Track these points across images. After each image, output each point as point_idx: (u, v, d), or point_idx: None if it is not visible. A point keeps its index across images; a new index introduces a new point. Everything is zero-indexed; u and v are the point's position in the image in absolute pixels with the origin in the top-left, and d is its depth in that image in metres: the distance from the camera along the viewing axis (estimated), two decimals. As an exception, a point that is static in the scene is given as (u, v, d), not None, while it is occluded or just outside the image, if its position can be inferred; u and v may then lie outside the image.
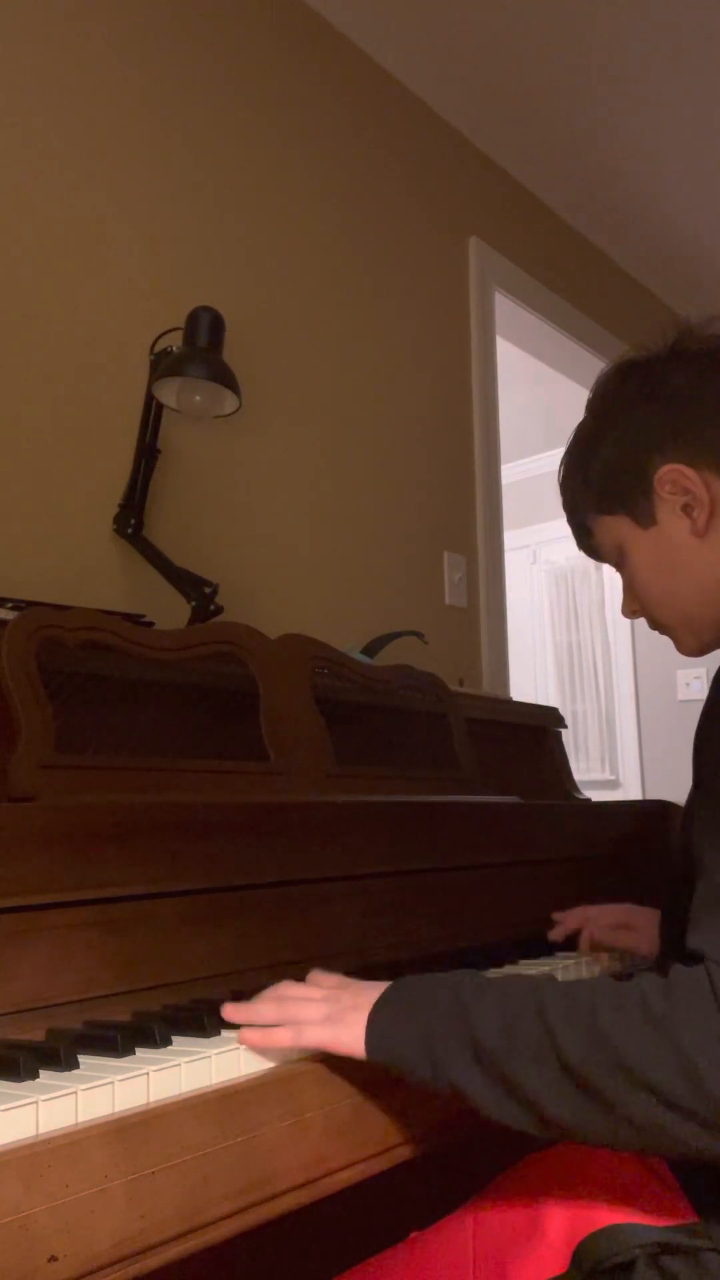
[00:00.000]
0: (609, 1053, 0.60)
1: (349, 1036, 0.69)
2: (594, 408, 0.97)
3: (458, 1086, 0.66)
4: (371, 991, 0.71)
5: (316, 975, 0.78)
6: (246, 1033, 0.69)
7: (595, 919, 1.15)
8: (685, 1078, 0.58)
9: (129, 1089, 0.60)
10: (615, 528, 0.95)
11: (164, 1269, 0.57)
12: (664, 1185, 0.75)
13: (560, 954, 1.11)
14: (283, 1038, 0.69)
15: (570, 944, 1.14)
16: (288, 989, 0.74)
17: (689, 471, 0.88)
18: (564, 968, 1.03)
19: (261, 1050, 0.69)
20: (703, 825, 0.72)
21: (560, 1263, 0.71)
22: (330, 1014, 0.70)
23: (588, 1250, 0.70)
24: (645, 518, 0.92)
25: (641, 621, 0.99)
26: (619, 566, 0.98)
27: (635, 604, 0.98)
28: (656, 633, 0.99)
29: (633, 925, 1.13)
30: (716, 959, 0.61)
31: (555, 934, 1.15)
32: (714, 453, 0.88)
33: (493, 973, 0.97)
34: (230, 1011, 0.72)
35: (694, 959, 0.63)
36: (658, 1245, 0.68)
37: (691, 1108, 0.58)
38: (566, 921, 1.16)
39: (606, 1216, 0.72)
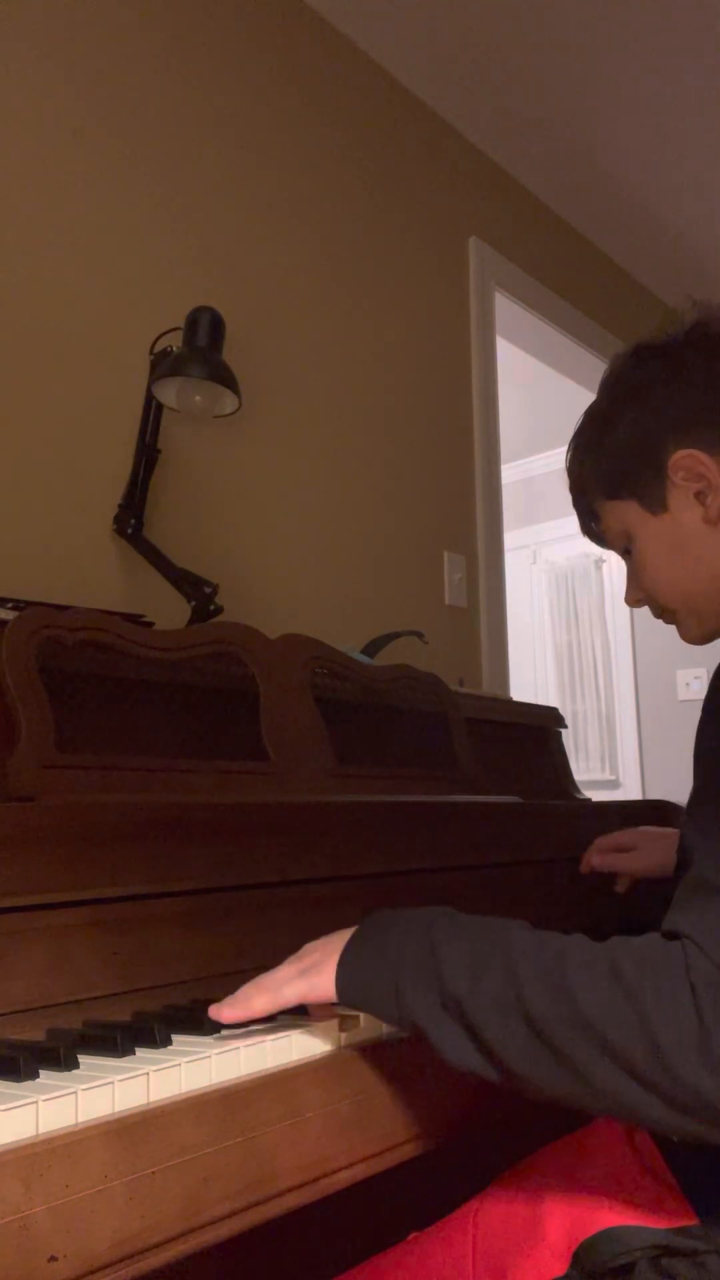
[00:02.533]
0: (573, 1010, 0.60)
1: (322, 982, 0.70)
2: (609, 390, 0.96)
3: (422, 1029, 0.66)
4: (341, 939, 0.72)
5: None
6: (221, 1008, 0.69)
7: (597, 844, 1.20)
8: (647, 1046, 0.58)
9: (129, 1089, 0.60)
10: (624, 513, 0.94)
11: (164, 1269, 0.57)
12: (665, 1186, 0.75)
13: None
14: (260, 1001, 0.69)
15: None
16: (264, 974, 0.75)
17: (704, 457, 0.87)
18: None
19: (240, 1020, 0.69)
20: (694, 815, 0.72)
21: (560, 1264, 0.71)
22: (304, 967, 0.71)
23: (588, 1252, 0.69)
24: (656, 504, 0.91)
25: (641, 621, 0.99)
26: (625, 553, 0.97)
27: (639, 592, 0.98)
28: (657, 632, 0.99)
29: (632, 845, 1.18)
30: (695, 939, 0.60)
31: (583, 867, 1.22)
32: None
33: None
34: (215, 1011, 0.71)
35: (670, 937, 0.62)
36: (659, 1248, 0.68)
37: (651, 1080, 0.58)
38: (587, 859, 1.22)
39: (607, 1218, 0.72)
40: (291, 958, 0.74)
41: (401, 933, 0.69)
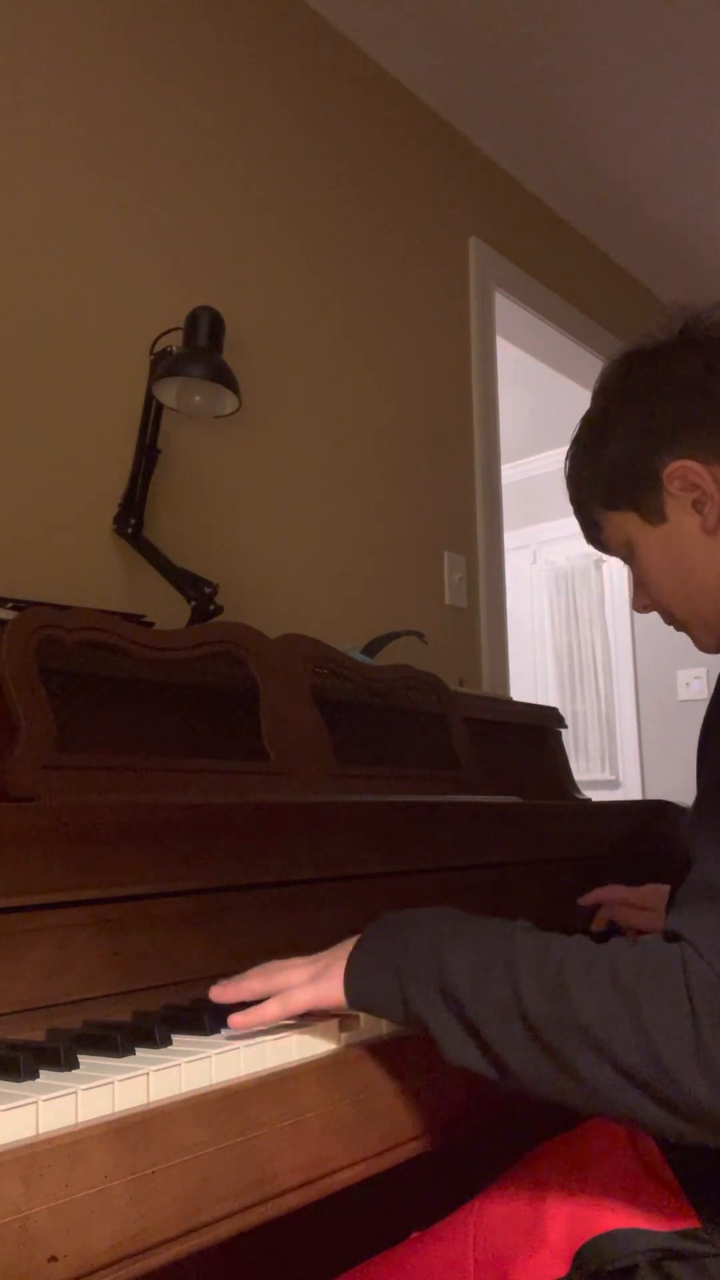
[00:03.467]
0: (570, 1014, 0.60)
1: (331, 987, 0.70)
2: (600, 401, 0.96)
3: (426, 1026, 0.67)
4: (350, 944, 0.73)
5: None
6: (235, 1016, 0.70)
7: (620, 896, 1.17)
8: (643, 1050, 0.58)
9: (129, 1089, 0.60)
10: (624, 524, 0.94)
11: (164, 1269, 0.57)
12: (667, 1188, 0.75)
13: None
14: (271, 1010, 0.70)
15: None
16: (272, 963, 0.75)
17: (698, 467, 0.87)
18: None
19: (252, 1028, 0.70)
20: (698, 818, 0.72)
21: (561, 1266, 0.71)
22: (314, 974, 0.71)
23: (589, 1254, 0.69)
24: (654, 514, 0.91)
25: (641, 621, 0.99)
26: (628, 562, 0.97)
27: (646, 599, 0.97)
28: (657, 633, 0.99)
29: (653, 907, 1.14)
30: (693, 941, 0.60)
31: (584, 899, 1.19)
32: None
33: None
34: (218, 992, 0.73)
35: (670, 939, 0.62)
36: (660, 1250, 0.68)
37: (647, 1083, 0.58)
38: (597, 893, 1.19)
39: (608, 1220, 0.72)
40: (303, 960, 0.74)
41: (407, 936, 0.70)
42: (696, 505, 0.88)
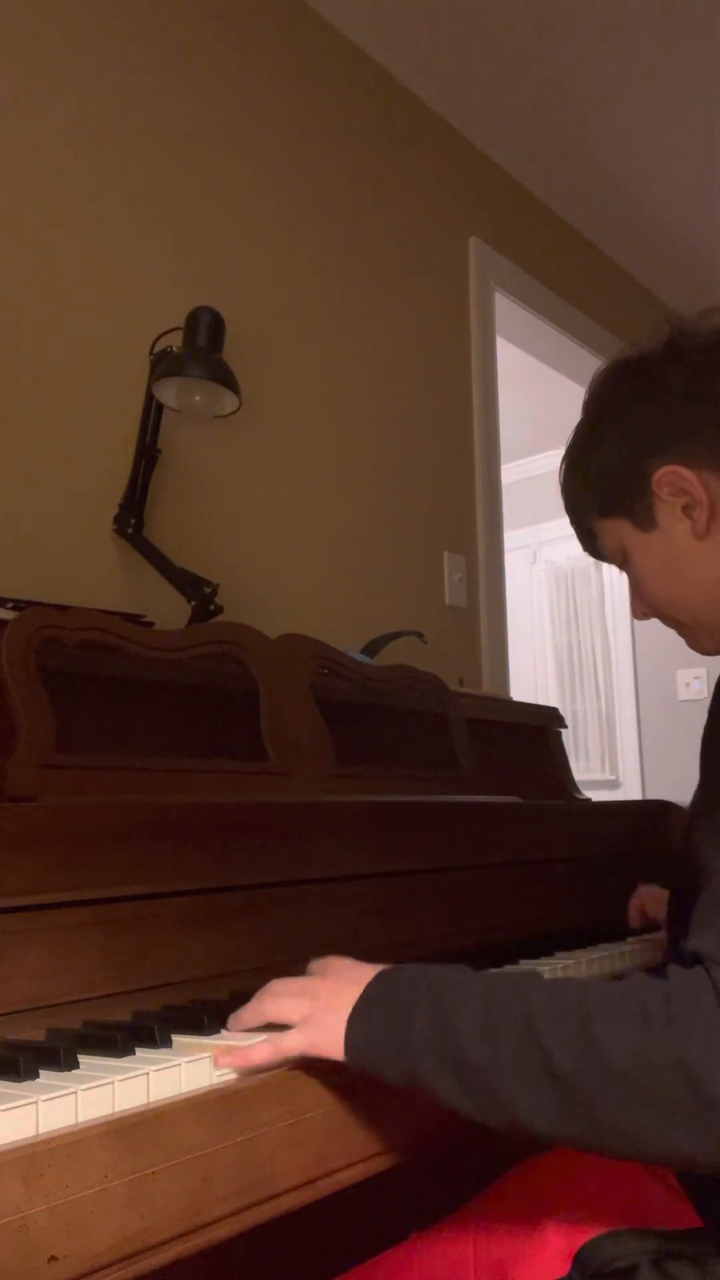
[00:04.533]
0: (602, 1060, 0.58)
1: (325, 1041, 0.67)
2: (589, 410, 0.97)
3: (441, 1099, 0.64)
4: (351, 989, 0.69)
5: (312, 965, 0.76)
6: (222, 1058, 0.65)
7: (653, 893, 1.21)
8: (687, 1083, 0.56)
9: (129, 1089, 0.60)
10: (617, 531, 0.95)
11: (164, 1269, 0.57)
12: (668, 1189, 0.75)
13: (560, 953, 1.11)
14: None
15: (575, 944, 1.15)
16: (270, 984, 0.72)
17: (686, 473, 0.87)
18: (564, 967, 1.03)
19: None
20: (706, 829, 0.71)
21: (561, 1266, 0.71)
22: (308, 1014, 0.68)
23: (590, 1254, 0.69)
24: (646, 521, 0.91)
25: (642, 621, 0.99)
26: (623, 568, 0.98)
27: (643, 606, 0.98)
28: (656, 633, 0.99)
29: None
30: (718, 960, 0.59)
31: (632, 920, 1.23)
32: (713, 452, 0.87)
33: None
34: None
35: (693, 960, 0.61)
36: (661, 1250, 0.68)
37: (690, 1114, 0.57)
38: (634, 902, 1.23)
39: (609, 1220, 0.72)
40: (298, 984, 0.71)
41: (413, 998, 0.66)
42: (686, 510, 0.89)
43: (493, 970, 0.70)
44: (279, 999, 0.70)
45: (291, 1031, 0.68)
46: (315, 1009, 0.68)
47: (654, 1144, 0.58)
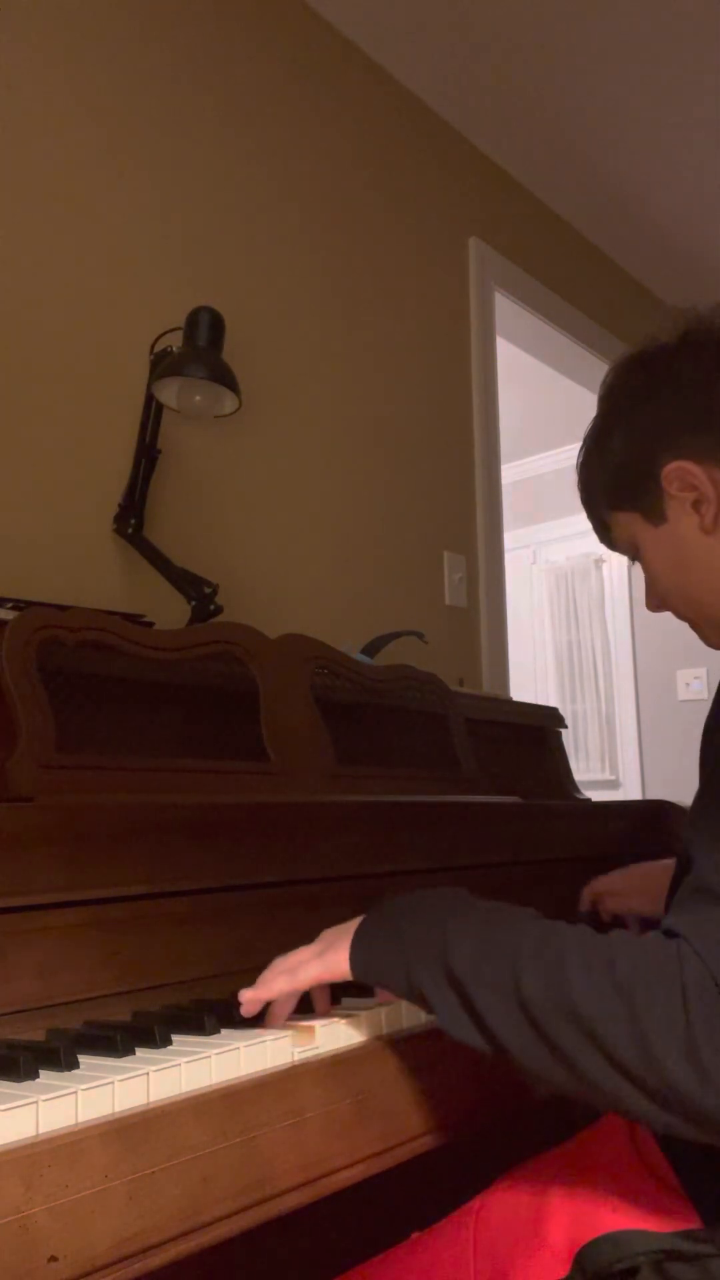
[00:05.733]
0: (566, 1000, 0.61)
1: (338, 959, 0.73)
2: (602, 403, 0.97)
3: (426, 998, 0.69)
4: (354, 923, 0.75)
5: None
6: (245, 991, 0.74)
7: (604, 887, 1.22)
8: (634, 1041, 0.59)
9: (129, 1089, 0.60)
10: (629, 524, 0.95)
11: (164, 1269, 0.57)
12: (668, 1189, 0.75)
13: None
14: (279, 983, 0.73)
15: None
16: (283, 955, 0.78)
17: (694, 468, 0.87)
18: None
19: (261, 1001, 0.73)
20: (698, 818, 0.72)
21: (562, 1266, 0.71)
22: (321, 949, 0.75)
23: (590, 1255, 0.69)
24: (656, 515, 0.92)
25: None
26: (635, 561, 0.98)
27: (655, 598, 0.98)
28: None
29: (637, 889, 1.19)
30: (690, 940, 0.61)
31: (581, 905, 1.23)
32: None
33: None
34: (248, 1003, 0.75)
35: (670, 936, 0.63)
36: (662, 1251, 0.68)
37: (637, 1073, 0.59)
38: (585, 892, 1.24)
39: (609, 1221, 0.72)
40: (309, 945, 0.77)
41: (416, 913, 0.72)
42: (695, 505, 0.89)
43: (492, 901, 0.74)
44: (294, 954, 0.76)
45: (308, 962, 0.74)
46: (325, 943, 0.75)
47: (607, 1091, 0.61)
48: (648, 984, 0.60)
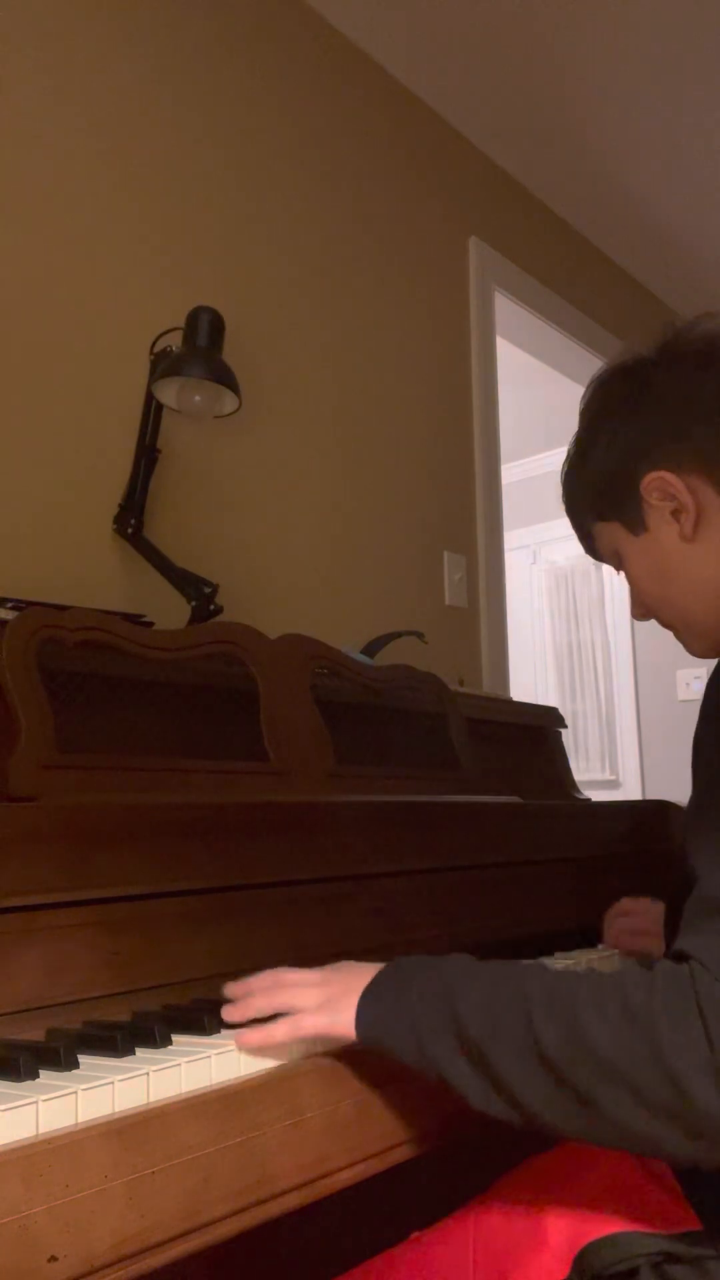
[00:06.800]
0: (586, 1047, 0.60)
1: (342, 1019, 0.70)
2: (583, 415, 0.98)
3: (444, 1076, 0.67)
4: (365, 974, 0.72)
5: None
6: (244, 1035, 0.69)
7: (627, 926, 1.14)
8: (662, 1079, 0.58)
9: (129, 1089, 0.60)
10: (611, 534, 0.96)
11: (164, 1269, 0.57)
12: (668, 1192, 0.75)
13: (559, 954, 1.11)
14: (280, 1032, 0.69)
15: (575, 944, 1.14)
16: (282, 974, 0.75)
17: (672, 478, 0.88)
18: (563, 967, 1.02)
19: (261, 1049, 0.69)
20: (696, 831, 0.72)
21: (562, 1268, 0.71)
22: (325, 1000, 0.71)
23: (590, 1257, 0.69)
24: (636, 525, 0.92)
25: (642, 622, 1.00)
26: (619, 570, 0.99)
27: (640, 607, 0.99)
28: (657, 633, 0.99)
29: (650, 931, 1.12)
30: (702, 961, 0.60)
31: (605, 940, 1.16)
32: (699, 457, 0.88)
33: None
34: (229, 1012, 0.72)
35: (679, 958, 0.63)
36: (662, 1253, 0.68)
37: (666, 1108, 0.58)
38: (607, 924, 1.16)
39: (609, 1223, 0.72)
40: (316, 973, 0.74)
41: (423, 979, 0.70)
42: (675, 515, 0.90)
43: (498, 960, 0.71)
44: (294, 990, 0.73)
45: (308, 1012, 0.71)
46: (331, 994, 0.72)
47: (640, 1135, 0.60)
48: (667, 1016, 0.59)
